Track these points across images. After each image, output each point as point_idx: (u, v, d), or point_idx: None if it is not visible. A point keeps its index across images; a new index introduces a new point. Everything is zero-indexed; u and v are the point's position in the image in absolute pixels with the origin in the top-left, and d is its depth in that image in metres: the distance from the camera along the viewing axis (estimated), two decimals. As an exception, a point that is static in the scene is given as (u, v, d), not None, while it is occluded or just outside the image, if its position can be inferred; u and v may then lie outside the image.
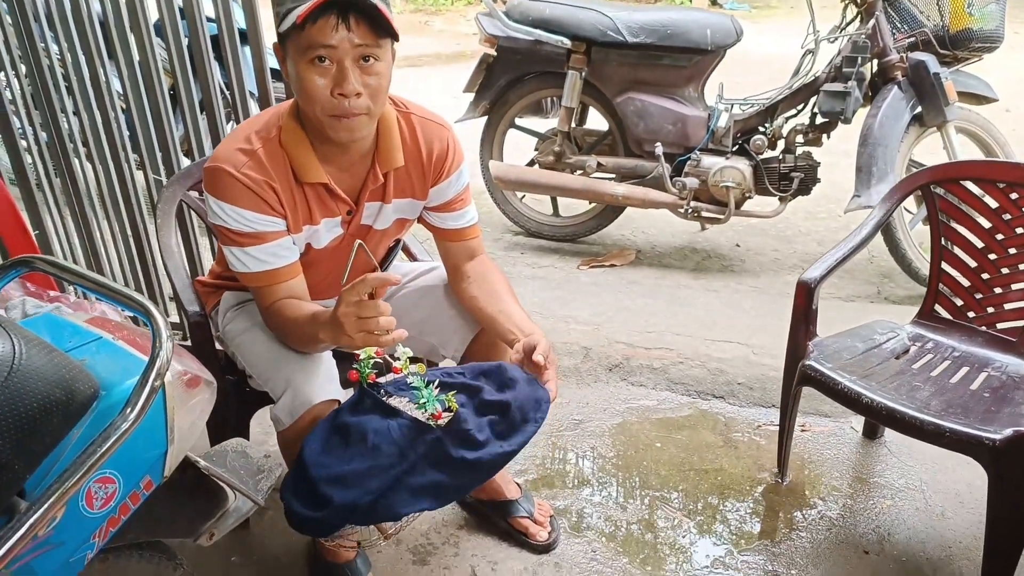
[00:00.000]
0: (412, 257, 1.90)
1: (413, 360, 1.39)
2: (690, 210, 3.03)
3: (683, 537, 1.78)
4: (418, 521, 1.76)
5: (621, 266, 3.22)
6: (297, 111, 1.36)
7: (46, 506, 0.71)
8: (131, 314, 1.04)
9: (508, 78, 3.22)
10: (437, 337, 1.63)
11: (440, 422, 1.29)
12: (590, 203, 3.36)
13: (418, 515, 1.32)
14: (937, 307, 1.93)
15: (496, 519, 1.78)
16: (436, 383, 1.34)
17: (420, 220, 1.60)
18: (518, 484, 1.83)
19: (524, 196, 3.50)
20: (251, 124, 1.39)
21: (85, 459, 0.74)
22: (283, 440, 1.48)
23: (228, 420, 1.64)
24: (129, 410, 0.76)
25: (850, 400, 1.64)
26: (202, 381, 0.95)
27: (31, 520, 0.70)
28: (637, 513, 1.85)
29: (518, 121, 3.41)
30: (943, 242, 1.91)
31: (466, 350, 1.62)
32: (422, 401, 1.29)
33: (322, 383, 1.41)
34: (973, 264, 1.85)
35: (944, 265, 1.91)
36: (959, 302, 1.89)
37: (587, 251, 3.38)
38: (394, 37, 1.27)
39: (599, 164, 3.18)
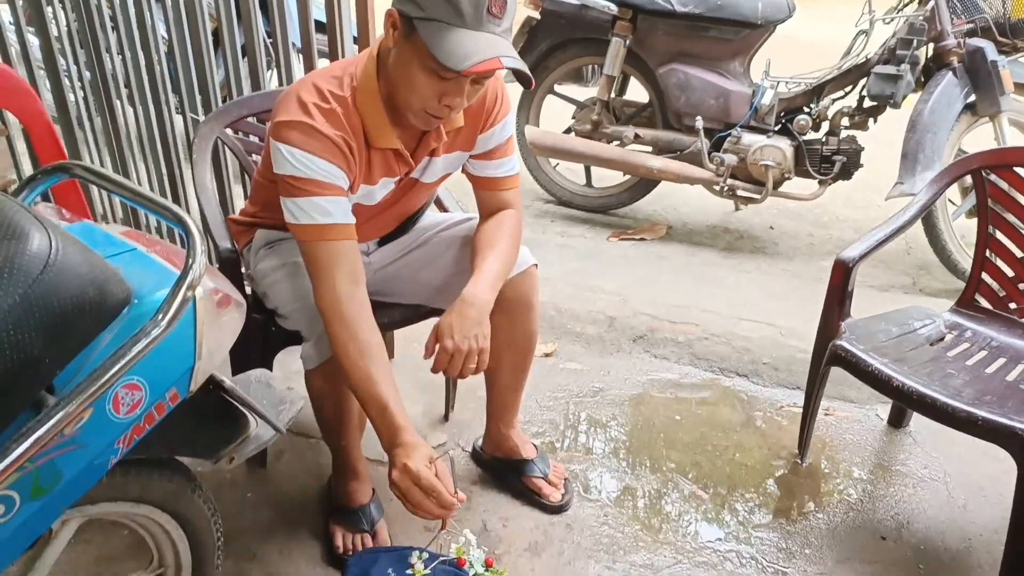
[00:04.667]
0: (443, 209, 1.88)
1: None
2: (726, 187, 2.98)
3: (696, 509, 1.77)
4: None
5: (651, 240, 3.19)
6: (375, 72, 1.33)
7: (75, 403, 0.71)
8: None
9: (550, 43, 3.17)
10: (463, 290, 1.62)
11: None
12: (624, 175, 3.32)
13: None
14: (977, 296, 1.87)
15: (510, 477, 1.78)
16: None
17: (465, 171, 1.59)
18: (534, 445, 1.82)
19: (558, 164, 3.47)
20: (324, 80, 1.35)
21: (115, 360, 0.74)
22: (311, 379, 1.49)
23: (252, 359, 1.65)
24: (161, 316, 0.76)
25: (880, 383, 1.60)
26: (232, 302, 0.95)
27: (59, 415, 0.70)
28: (652, 483, 1.84)
29: (557, 87, 3.37)
30: (989, 230, 1.85)
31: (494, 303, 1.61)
32: None
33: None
34: (1020, 254, 1.79)
35: (988, 253, 1.86)
36: (1001, 292, 1.83)
37: (617, 223, 3.35)
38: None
39: (636, 136, 3.14)
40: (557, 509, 1.73)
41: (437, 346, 1.37)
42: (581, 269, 2.81)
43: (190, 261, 0.79)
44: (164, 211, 0.84)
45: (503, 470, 1.80)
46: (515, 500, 1.76)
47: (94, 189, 2.34)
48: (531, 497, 1.75)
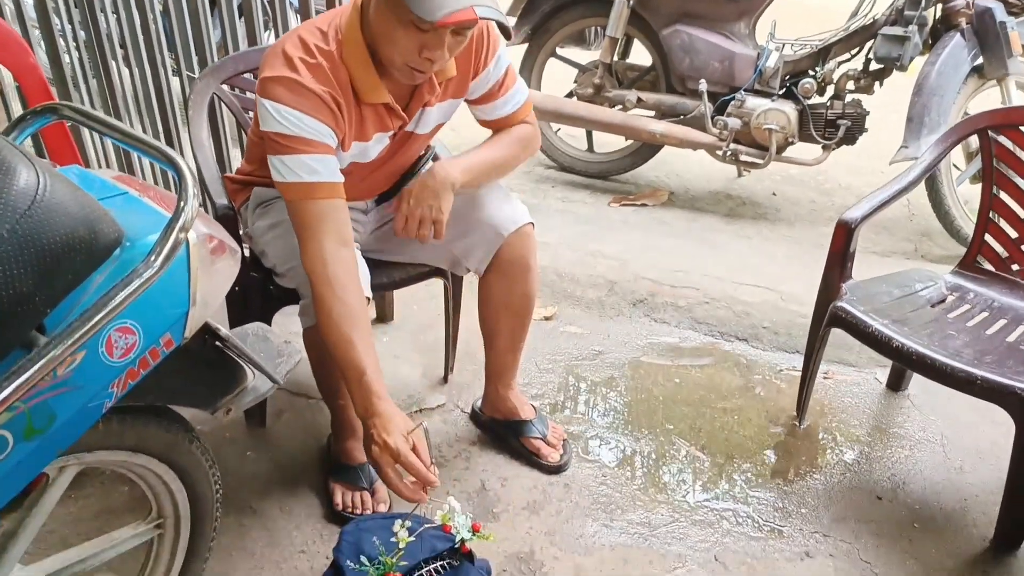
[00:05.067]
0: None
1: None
2: (729, 152, 2.95)
3: (694, 470, 1.77)
4: (433, 435, 1.79)
5: (652, 206, 3.16)
6: (359, 24, 1.31)
7: (66, 343, 0.70)
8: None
9: (552, 4, 3.12)
10: (461, 247, 1.61)
11: None
12: (626, 140, 3.28)
13: None
14: (980, 258, 1.86)
15: (509, 438, 1.79)
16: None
17: (476, 118, 1.59)
18: (533, 406, 1.82)
19: (559, 129, 3.43)
20: (309, 33, 1.32)
21: (107, 301, 0.73)
22: (309, 336, 1.48)
23: (252, 318, 1.64)
24: (153, 258, 0.75)
25: (880, 344, 1.60)
26: (227, 249, 0.94)
27: (51, 354, 0.69)
28: (650, 444, 1.84)
29: (559, 50, 3.32)
30: (994, 191, 1.83)
31: (490, 263, 1.60)
32: None
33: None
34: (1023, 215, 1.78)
35: (991, 215, 1.84)
36: (1004, 253, 1.82)
37: (619, 189, 3.32)
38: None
39: (639, 99, 3.10)
40: (555, 469, 1.73)
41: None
42: (582, 234, 2.80)
43: (182, 203, 0.78)
44: (155, 152, 0.82)
45: (502, 431, 1.80)
46: (514, 460, 1.76)
47: (87, 141, 2.31)
48: (530, 458, 1.75)
